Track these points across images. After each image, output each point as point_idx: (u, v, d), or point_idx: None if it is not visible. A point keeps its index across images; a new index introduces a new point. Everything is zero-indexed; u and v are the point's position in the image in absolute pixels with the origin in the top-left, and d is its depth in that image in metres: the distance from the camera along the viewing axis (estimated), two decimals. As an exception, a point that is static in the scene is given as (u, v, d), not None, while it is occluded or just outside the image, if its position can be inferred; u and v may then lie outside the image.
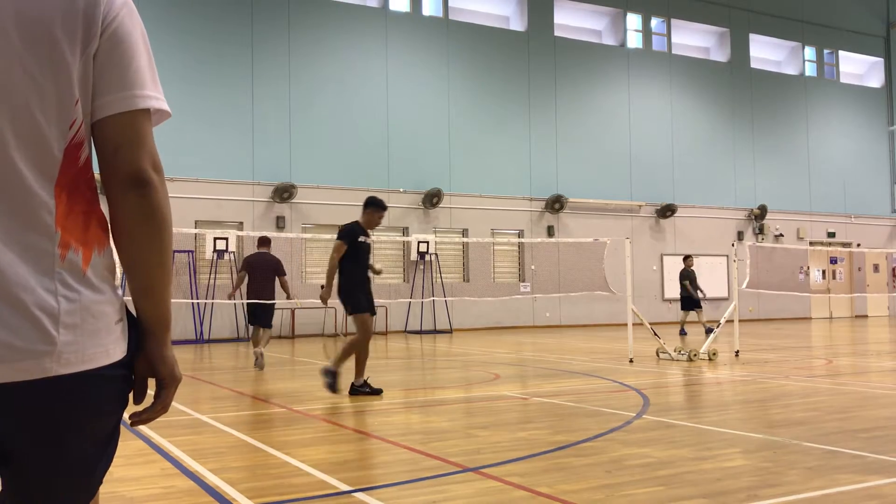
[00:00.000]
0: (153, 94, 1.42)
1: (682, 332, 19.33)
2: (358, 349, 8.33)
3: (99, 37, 1.35)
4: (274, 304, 11.73)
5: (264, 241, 12.14)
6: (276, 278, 11.72)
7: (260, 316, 11.72)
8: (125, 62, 1.38)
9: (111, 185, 1.39)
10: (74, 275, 1.34)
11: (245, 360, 13.60)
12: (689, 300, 19.15)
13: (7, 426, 1.31)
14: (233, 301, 17.45)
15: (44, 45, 1.30)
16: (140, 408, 1.55)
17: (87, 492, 1.45)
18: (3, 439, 1.32)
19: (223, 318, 19.44)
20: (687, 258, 19.67)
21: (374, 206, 8.58)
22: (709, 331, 17.48)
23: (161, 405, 1.52)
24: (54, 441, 1.35)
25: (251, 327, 12.50)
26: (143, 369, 1.50)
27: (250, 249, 19.28)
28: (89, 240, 1.38)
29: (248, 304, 12.03)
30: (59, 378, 1.31)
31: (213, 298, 18.63)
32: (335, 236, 8.52)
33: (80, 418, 1.37)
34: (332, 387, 8.13)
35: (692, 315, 19.70)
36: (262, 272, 11.63)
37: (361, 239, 8.50)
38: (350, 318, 8.54)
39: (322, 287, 8.61)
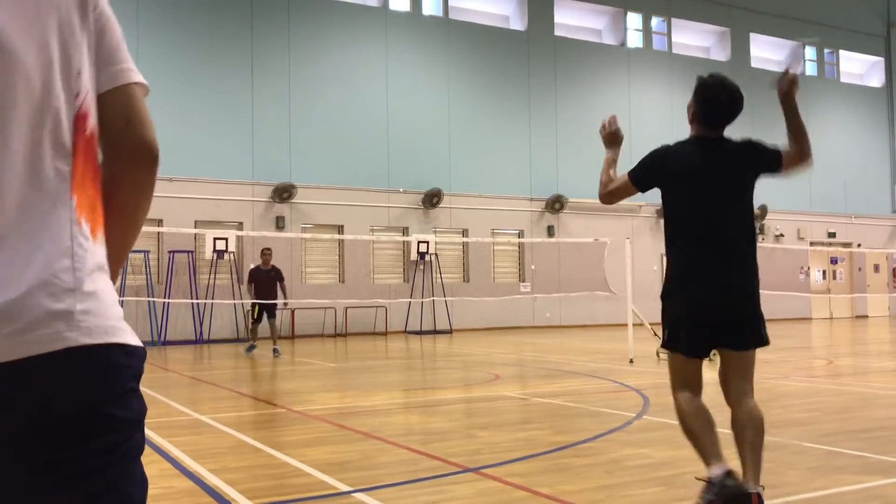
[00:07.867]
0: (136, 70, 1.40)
1: None
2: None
3: (93, 10, 1.31)
4: (276, 303, 14.35)
5: (263, 254, 14.54)
6: (277, 283, 14.26)
7: (270, 310, 14.28)
8: (118, 37, 1.35)
9: (118, 159, 1.33)
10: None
11: (244, 360, 13.59)
12: None
13: None
14: (232, 302, 17.90)
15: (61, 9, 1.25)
16: None
17: None
18: None
19: (223, 319, 19.41)
20: None
21: None
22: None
23: None
24: None
25: (252, 326, 14.71)
26: None
27: (250, 250, 19.31)
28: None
29: (254, 305, 14.34)
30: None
31: (212, 299, 18.59)
32: None
33: None
34: None
35: None
36: (266, 284, 14.17)
37: None
38: None
39: None
